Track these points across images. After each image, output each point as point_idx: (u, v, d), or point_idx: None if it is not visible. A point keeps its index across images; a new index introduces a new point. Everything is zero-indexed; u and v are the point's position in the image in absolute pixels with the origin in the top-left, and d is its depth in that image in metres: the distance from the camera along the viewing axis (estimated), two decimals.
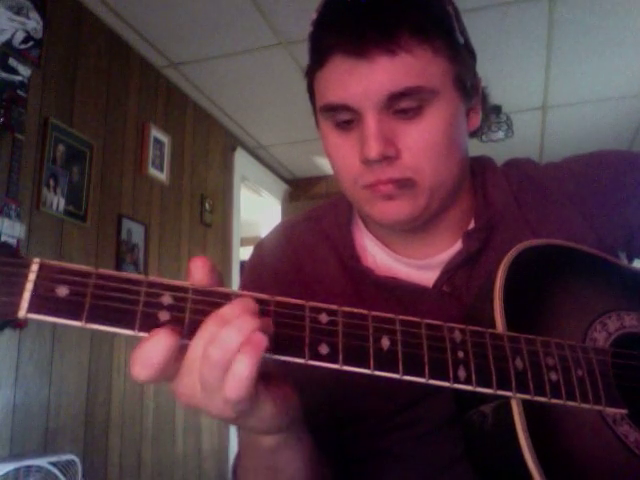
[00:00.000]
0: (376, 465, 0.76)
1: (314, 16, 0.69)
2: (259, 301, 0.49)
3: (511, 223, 0.77)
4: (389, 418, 0.73)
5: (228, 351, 0.45)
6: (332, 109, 0.69)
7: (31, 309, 0.44)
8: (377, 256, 0.79)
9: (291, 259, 0.81)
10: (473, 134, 0.79)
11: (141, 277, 0.47)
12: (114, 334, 0.47)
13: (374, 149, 0.65)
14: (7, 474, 1.68)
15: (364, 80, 0.65)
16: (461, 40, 0.70)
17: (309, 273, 0.80)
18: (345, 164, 0.71)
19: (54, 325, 2.10)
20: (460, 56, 0.70)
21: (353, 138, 0.69)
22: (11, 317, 0.44)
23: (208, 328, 0.46)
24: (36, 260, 0.45)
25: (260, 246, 0.87)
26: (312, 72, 0.72)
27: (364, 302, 0.75)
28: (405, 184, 0.68)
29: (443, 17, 0.68)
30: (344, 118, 0.68)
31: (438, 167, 0.68)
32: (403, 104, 0.66)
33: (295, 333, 0.49)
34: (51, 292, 0.45)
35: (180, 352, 0.47)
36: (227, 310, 0.47)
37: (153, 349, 0.46)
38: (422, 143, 0.67)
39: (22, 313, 0.44)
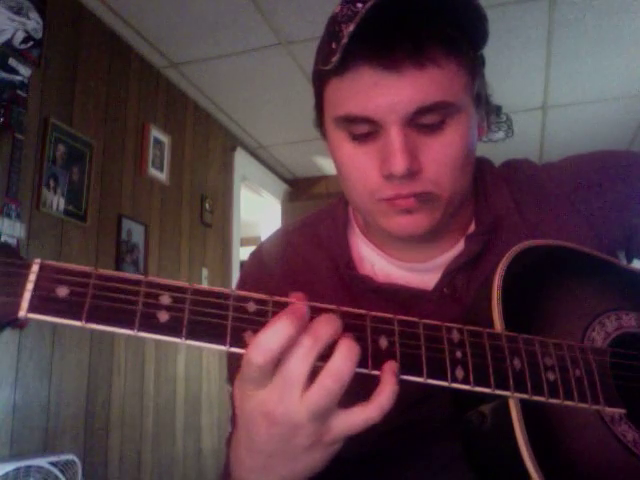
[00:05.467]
0: (375, 466, 0.76)
1: (347, 27, 0.64)
2: (258, 301, 0.49)
3: (511, 225, 0.76)
4: (389, 419, 0.73)
5: (340, 376, 0.49)
6: (351, 120, 0.66)
7: (31, 309, 0.45)
8: (375, 263, 0.79)
9: (285, 267, 0.81)
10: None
11: (140, 277, 0.48)
12: (114, 334, 0.47)
13: (401, 164, 0.63)
14: (7, 474, 1.69)
15: (391, 93, 0.63)
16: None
17: (303, 281, 0.79)
18: (362, 176, 0.68)
19: (54, 325, 2.10)
20: (478, 68, 0.69)
21: (371, 150, 0.67)
22: (12, 317, 0.45)
23: (305, 345, 0.49)
24: (37, 261, 0.46)
25: (256, 253, 0.87)
26: (326, 78, 0.68)
27: (362, 309, 0.75)
28: (426, 198, 0.67)
29: (475, 32, 0.66)
30: (362, 130, 0.66)
31: (456, 179, 0.68)
32: (427, 119, 0.64)
33: None
34: (51, 292, 0.46)
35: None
36: (315, 325, 0.49)
37: (272, 335, 0.47)
38: (444, 157, 0.66)
39: (23, 313, 0.45)
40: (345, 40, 0.62)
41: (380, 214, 0.70)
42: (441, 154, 0.66)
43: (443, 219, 0.70)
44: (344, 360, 0.49)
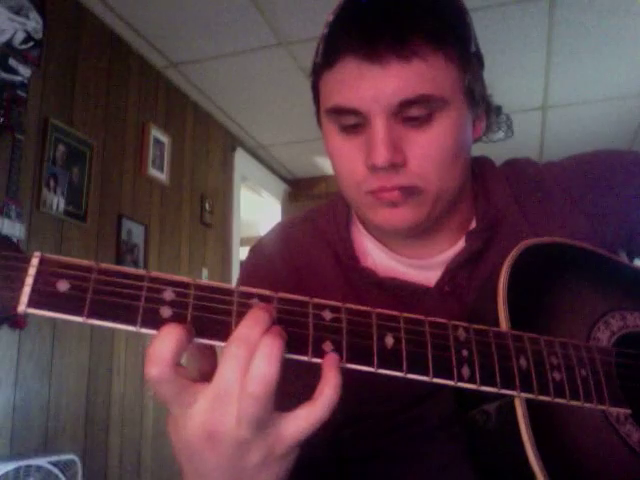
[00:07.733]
0: (377, 465, 0.76)
1: (329, 17, 0.68)
2: (262, 297, 0.49)
3: (512, 223, 0.76)
4: (389, 418, 0.73)
5: (265, 380, 0.44)
6: (339, 112, 0.67)
7: (31, 304, 0.43)
8: (377, 257, 0.79)
9: (287, 261, 0.81)
10: (475, 139, 0.78)
11: (143, 272, 0.46)
12: (114, 332, 0.46)
13: (382, 156, 0.64)
14: (7, 474, 1.68)
15: (375, 85, 0.63)
16: (473, 48, 0.69)
17: (306, 275, 0.79)
18: (349, 168, 0.69)
19: (54, 325, 2.10)
20: (471, 64, 0.69)
21: (358, 142, 0.67)
22: (11, 312, 0.43)
23: (239, 355, 0.45)
24: (36, 254, 0.45)
25: (256, 248, 0.86)
26: (319, 72, 0.70)
27: (364, 303, 0.75)
28: (411, 192, 0.67)
29: (459, 26, 0.67)
30: (350, 122, 0.67)
31: (444, 175, 0.68)
32: (413, 111, 0.64)
33: (298, 330, 0.49)
34: (51, 287, 0.44)
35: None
36: (245, 331, 0.45)
37: (163, 345, 0.44)
38: (430, 151, 0.66)
39: (22, 308, 0.43)
40: (326, 30, 0.64)
41: (367, 207, 0.71)
42: (428, 148, 0.66)
43: (432, 214, 0.70)
44: (267, 363, 0.44)
